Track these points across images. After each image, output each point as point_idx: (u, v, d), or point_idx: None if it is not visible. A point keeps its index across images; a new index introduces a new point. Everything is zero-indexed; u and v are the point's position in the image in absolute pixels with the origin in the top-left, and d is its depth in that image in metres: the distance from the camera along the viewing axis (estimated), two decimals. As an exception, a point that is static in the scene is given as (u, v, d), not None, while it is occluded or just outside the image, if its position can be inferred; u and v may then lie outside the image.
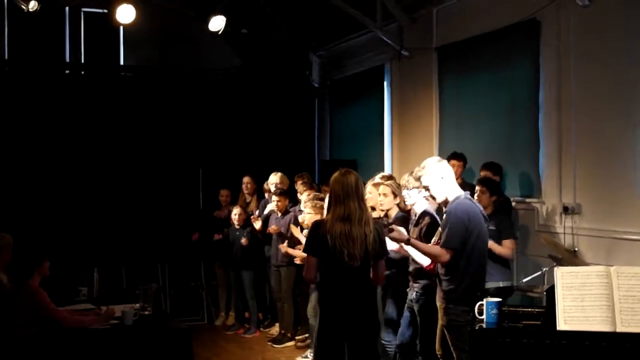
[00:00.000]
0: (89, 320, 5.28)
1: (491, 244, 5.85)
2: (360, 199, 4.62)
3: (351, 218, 4.49)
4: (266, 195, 8.76)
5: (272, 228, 7.95)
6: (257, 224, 8.17)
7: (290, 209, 8.10)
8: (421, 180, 4.89)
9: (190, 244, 9.40)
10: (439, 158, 4.95)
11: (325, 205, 6.42)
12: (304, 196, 7.66)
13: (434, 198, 4.94)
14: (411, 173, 5.64)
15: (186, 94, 10.38)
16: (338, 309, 4.55)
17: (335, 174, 4.67)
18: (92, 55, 10.53)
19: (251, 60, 11.00)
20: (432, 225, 5.31)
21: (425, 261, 5.23)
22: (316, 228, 4.61)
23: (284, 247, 7.53)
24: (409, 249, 5.18)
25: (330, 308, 4.59)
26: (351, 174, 4.66)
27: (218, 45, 10.73)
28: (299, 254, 7.13)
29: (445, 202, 4.82)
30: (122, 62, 10.77)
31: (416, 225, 5.51)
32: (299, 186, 8.26)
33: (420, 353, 5.56)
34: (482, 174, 6.83)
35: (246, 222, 8.58)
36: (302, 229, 7.39)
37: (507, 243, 6.10)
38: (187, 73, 10.58)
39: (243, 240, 8.43)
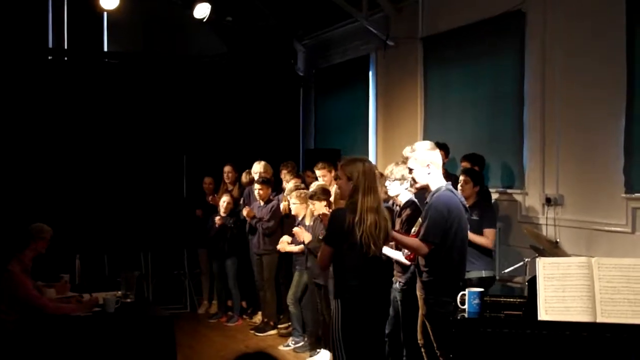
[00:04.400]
0: (71, 308, 5.25)
1: (471, 235, 5.87)
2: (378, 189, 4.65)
3: (379, 209, 4.51)
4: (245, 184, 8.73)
5: (246, 210, 7.94)
6: (245, 211, 8.16)
7: (273, 198, 8.10)
8: (411, 160, 4.87)
9: (173, 231, 9.39)
10: (433, 145, 4.92)
11: (330, 190, 6.44)
12: (290, 184, 7.65)
13: (415, 181, 4.93)
14: (396, 164, 5.66)
15: (170, 81, 10.31)
16: (362, 300, 4.51)
17: (360, 165, 4.56)
18: (75, 42, 10.42)
19: (236, 49, 10.95)
20: (413, 217, 5.33)
21: (401, 258, 5.29)
22: (340, 218, 4.50)
23: (281, 247, 7.43)
24: (385, 249, 5.20)
25: (355, 299, 4.50)
26: (371, 163, 4.67)
27: (203, 33, 10.68)
28: (295, 248, 7.14)
29: (426, 189, 4.82)
30: (105, 49, 10.67)
31: (399, 216, 5.53)
32: (285, 175, 8.25)
33: (403, 342, 5.60)
34: (463, 164, 6.87)
35: (232, 211, 8.59)
36: (286, 216, 7.42)
37: (488, 233, 6.11)
38: (171, 60, 10.51)
39: (217, 219, 8.43)
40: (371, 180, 4.52)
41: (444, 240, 4.60)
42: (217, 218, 8.47)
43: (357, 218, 4.42)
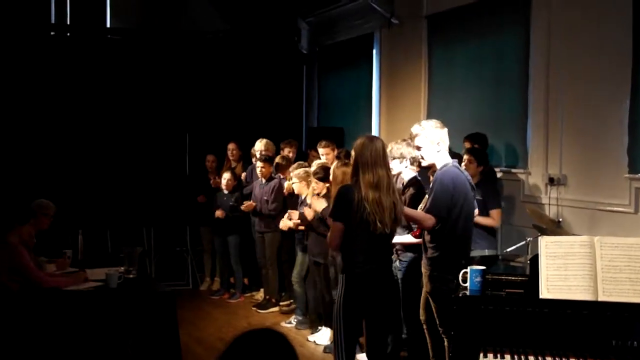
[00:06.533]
0: (64, 282, 5.28)
1: (477, 217, 5.87)
2: (387, 166, 4.57)
3: (380, 185, 4.44)
4: (253, 160, 8.74)
5: (245, 205, 7.96)
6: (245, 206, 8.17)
7: (275, 175, 8.09)
8: (415, 140, 4.86)
9: (175, 208, 9.40)
10: (440, 123, 4.91)
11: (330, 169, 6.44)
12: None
13: (422, 160, 4.92)
14: (396, 142, 5.66)
15: (173, 57, 10.28)
16: (366, 276, 4.50)
17: (362, 140, 4.55)
18: (78, 17, 10.37)
19: (239, 25, 10.89)
20: (417, 196, 5.33)
21: (406, 239, 5.30)
22: (346, 194, 4.48)
23: (283, 225, 7.37)
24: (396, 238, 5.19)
25: (358, 275, 4.51)
26: (378, 140, 4.60)
27: (206, 9, 10.63)
28: (298, 222, 7.08)
29: (432, 167, 4.83)
30: (108, 25, 10.62)
31: (402, 194, 5.53)
32: (287, 153, 8.25)
33: (403, 320, 5.63)
34: (465, 144, 6.85)
35: (235, 187, 8.59)
36: (290, 195, 7.42)
37: (494, 213, 6.15)
38: (174, 37, 10.46)
39: (218, 213, 8.47)
40: (369, 156, 4.47)
41: (450, 215, 4.61)
42: (218, 212, 8.43)
43: (362, 193, 4.41)
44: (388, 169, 4.57)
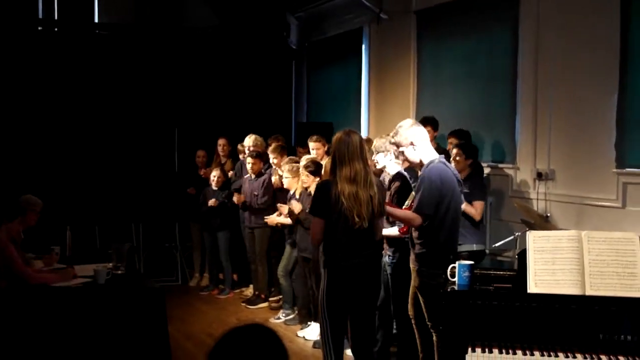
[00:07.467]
0: (52, 278, 5.26)
1: (463, 205, 5.88)
2: (365, 160, 4.56)
3: (357, 179, 4.45)
4: (240, 156, 8.74)
5: (236, 198, 7.96)
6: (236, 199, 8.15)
7: (265, 171, 8.08)
8: (396, 143, 4.88)
9: (164, 204, 9.37)
10: (413, 121, 4.93)
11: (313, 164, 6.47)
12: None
13: (408, 161, 4.93)
14: (380, 137, 5.70)
15: (162, 53, 10.24)
16: (347, 270, 4.52)
17: (339, 134, 4.58)
18: (65, 12, 10.31)
19: (229, 21, 10.86)
20: (402, 189, 5.34)
21: (393, 232, 5.31)
22: (324, 189, 4.53)
23: (270, 220, 7.40)
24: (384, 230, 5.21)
25: (339, 269, 4.53)
26: (355, 134, 4.60)
27: (195, 4, 10.61)
28: (284, 220, 7.08)
29: (420, 165, 4.83)
30: (96, 20, 10.57)
31: (388, 189, 5.54)
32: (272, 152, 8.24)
33: (393, 315, 5.64)
34: (450, 140, 6.87)
35: (224, 184, 8.58)
36: (279, 189, 7.42)
37: (477, 205, 6.14)
38: (163, 32, 10.42)
39: (211, 202, 8.41)
40: (345, 150, 4.49)
41: (437, 212, 4.61)
42: (211, 201, 8.43)
43: (338, 187, 4.43)
44: (366, 163, 4.57)
